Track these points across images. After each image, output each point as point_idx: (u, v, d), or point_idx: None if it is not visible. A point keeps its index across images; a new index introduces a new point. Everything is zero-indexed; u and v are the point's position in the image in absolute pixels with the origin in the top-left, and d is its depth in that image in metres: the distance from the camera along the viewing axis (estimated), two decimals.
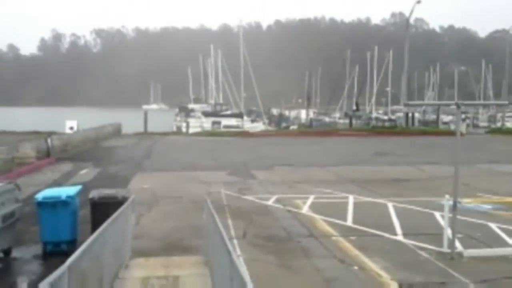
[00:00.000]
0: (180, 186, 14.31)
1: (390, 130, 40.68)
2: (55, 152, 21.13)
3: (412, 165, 19.40)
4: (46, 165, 18.41)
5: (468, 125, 47.83)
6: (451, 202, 7.98)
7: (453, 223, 7.86)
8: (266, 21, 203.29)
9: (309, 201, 12.06)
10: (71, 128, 34.29)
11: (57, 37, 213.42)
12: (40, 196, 7.59)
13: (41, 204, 7.55)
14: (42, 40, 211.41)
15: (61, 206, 7.57)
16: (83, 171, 17.29)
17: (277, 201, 12.12)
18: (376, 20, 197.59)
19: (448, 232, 7.97)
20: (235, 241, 8.52)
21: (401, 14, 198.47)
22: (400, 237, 8.97)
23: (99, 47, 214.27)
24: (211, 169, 17.92)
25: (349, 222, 10.08)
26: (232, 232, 9.16)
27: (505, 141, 27.88)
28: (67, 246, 7.61)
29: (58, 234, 7.62)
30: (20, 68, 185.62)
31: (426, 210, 11.00)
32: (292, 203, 11.86)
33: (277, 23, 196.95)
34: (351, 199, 12.34)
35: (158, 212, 11.02)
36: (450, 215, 8.01)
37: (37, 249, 7.92)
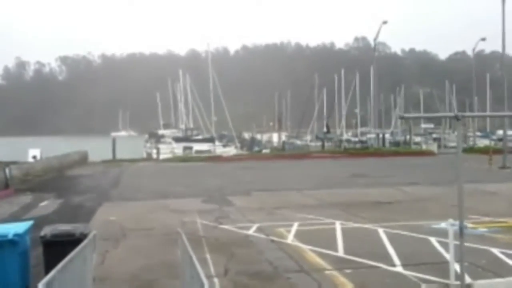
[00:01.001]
0: (150, 216, 13.11)
1: (363, 151, 40.53)
2: (14, 183, 19.53)
3: (391, 187, 18.78)
4: (3, 197, 16.86)
5: (439, 146, 48.28)
6: (455, 227, 7.17)
7: (461, 252, 7.02)
8: (233, 46, 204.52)
9: (294, 229, 11.09)
10: (34, 157, 32.51)
11: (21, 65, 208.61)
12: None
13: None
14: (6, 68, 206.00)
15: (8, 247, 6.35)
16: (43, 203, 15.84)
17: (259, 230, 11.09)
18: (340, 44, 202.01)
19: (452, 260, 7.13)
20: (215, 280, 7.45)
21: (363, 38, 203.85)
22: (399, 268, 8.07)
23: (65, 74, 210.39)
24: (185, 197, 16.79)
25: (341, 252, 9.15)
26: (212, 269, 8.07)
27: (479, 159, 27.79)
28: None
29: (6, 280, 6.38)
30: None
31: (420, 235, 10.19)
32: (275, 232, 10.86)
33: (244, 48, 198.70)
34: (338, 226, 11.44)
35: (126, 248, 9.81)
36: (456, 242, 7.18)
37: None
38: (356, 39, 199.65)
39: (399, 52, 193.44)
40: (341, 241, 9.97)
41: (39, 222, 12.48)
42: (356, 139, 62.99)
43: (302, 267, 8.20)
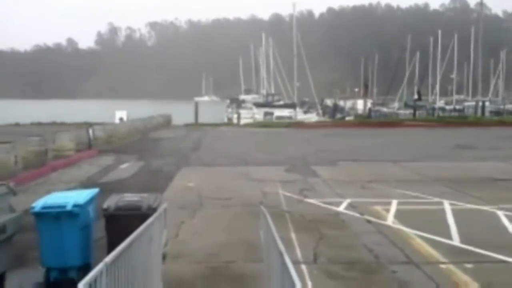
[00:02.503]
0: (229, 184, 12.10)
1: (461, 120, 36.71)
2: (98, 144, 19.62)
3: (503, 161, 16.23)
4: (85, 158, 16.82)
5: None
6: None
7: None
8: (318, 9, 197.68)
9: (393, 208, 9.45)
10: (121, 119, 33.24)
11: (113, 30, 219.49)
12: (38, 204, 5.53)
13: (40, 216, 5.50)
14: (99, 34, 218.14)
15: (67, 219, 5.48)
16: (123, 165, 15.51)
17: (351, 207, 9.60)
18: (434, 5, 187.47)
19: None
20: (303, 267, 6.17)
21: None
22: None
23: (154, 40, 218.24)
24: (265, 164, 15.61)
25: (456, 240, 7.43)
26: (298, 252, 6.79)
27: None
28: (77, 273, 5.56)
29: (64, 257, 5.56)
30: (78, 62, 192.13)
31: None
32: (371, 210, 9.31)
33: (330, 10, 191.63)
34: (447, 206, 9.61)
35: (202, 219, 8.83)
36: None
37: (40, 275, 5.92)
38: None
39: (500, 14, 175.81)
40: (454, 226, 8.21)
41: (117, 186, 11.99)
42: (451, 107, 58.07)
43: (410, 258, 6.64)
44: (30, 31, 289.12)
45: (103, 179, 13.02)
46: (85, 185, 12.06)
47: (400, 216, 8.89)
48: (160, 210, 5.57)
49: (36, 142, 13.58)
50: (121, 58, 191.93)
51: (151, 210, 5.41)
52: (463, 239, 7.44)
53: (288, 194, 10.75)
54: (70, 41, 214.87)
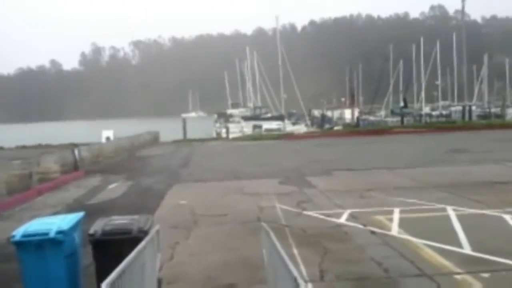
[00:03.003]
0: (223, 200, 11.63)
1: (449, 125, 36.72)
2: (84, 165, 19.01)
3: (497, 163, 16.03)
4: (72, 180, 16.21)
5: None
6: None
7: None
8: (301, 22, 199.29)
9: (396, 217, 9.08)
10: (107, 138, 32.64)
11: (97, 50, 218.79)
12: (19, 232, 5.04)
13: (20, 245, 5.01)
14: (83, 55, 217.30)
15: (51, 247, 4.99)
16: (112, 186, 14.94)
17: (352, 217, 9.20)
18: (414, 14, 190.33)
19: None
20: (310, 287, 5.72)
21: (440, 7, 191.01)
22: None
23: (138, 59, 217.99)
24: (259, 178, 15.18)
25: (467, 248, 7.05)
26: (303, 270, 6.34)
27: None
28: None
29: None
30: (63, 83, 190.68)
31: None
32: (373, 220, 8.92)
33: (312, 23, 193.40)
34: (451, 212, 9.27)
35: (198, 238, 8.34)
36: None
37: None
38: (432, 7, 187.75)
39: (479, 20, 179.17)
40: (462, 232, 7.84)
41: (106, 207, 11.46)
42: (438, 113, 58.37)
43: (422, 270, 6.24)
44: (13, 54, 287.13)
45: (91, 201, 12.46)
46: (72, 207, 11.50)
47: (404, 225, 8.50)
48: (152, 232, 5.11)
49: (19, 165, 12.98)
50: (106, 77, 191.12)
51: (143, 233, 4.94)
52: (474, 246, 7.07)
53: (285, 207, 10.32)
54: (54, 62, 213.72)
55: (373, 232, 8.18)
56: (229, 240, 8.05)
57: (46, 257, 5.00)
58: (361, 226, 8.56)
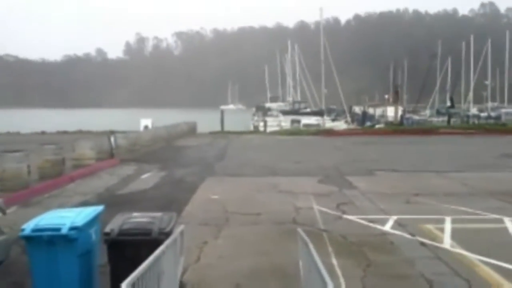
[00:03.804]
0: (257, 197, 10.99)
1: (500, 128, 34.65)
2: (120, 152, 18.84)
3: None
4: (106, 168, 16.00)
5: None
6: None
7: None
8: (344, 16, 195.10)
9: (447, 227, 8.17)
10: (146, 126, 32.72)
11: (141, 40, 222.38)
12: (29, 226, 4.55)
13: (30, 240, 4.53)
14: (127, 44, 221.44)
15: (63, 244, 4.48)
16: (145, 175, 14.60)
17: (398, 225, 8.35)
18: (463, 11, 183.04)
19: None
20: None
21: (491, 4, 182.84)
22: None
23: (180, 49, 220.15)
24: (296, 175, 14.46)
25: None
26: (343, 284, 5.62)
27: None
28: None
29: None
30: (107, 71, 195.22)
31: None
32: (422, 229, 8.04)
33: (356, 17, 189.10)
34: (509, 225, 8.28)
35: (228, 238, 7.73)
36: None
37: None
38: (483, 4, 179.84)
39: None
40: None
41: (135, 198, 11.07)
42: (485, 114, 55.63)
43: None
44: (61, 42, 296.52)
45: (122, 190, 12.12)
46: (102, 197, 11.21)
47: (457, 237, 7.60)
48: (175, 234, 4.51)
49: (52, 150, 12.77)
50: (149, 67, 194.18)
51: (163, 235, 4.35)
52: None
53: (324, 209, 9.57)
54: (99, 51, 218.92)
55: (422, 244, 7.32)
56: (262, 243, 7.40)
57: (57, 255, 4.49)
58: (408, 236, 7.71)
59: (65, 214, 4.87)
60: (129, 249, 4.34)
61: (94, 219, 4.88)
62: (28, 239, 4.51)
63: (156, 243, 4.14)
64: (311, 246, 4.18)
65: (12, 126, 41.12)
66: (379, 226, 8.26)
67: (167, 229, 4.49)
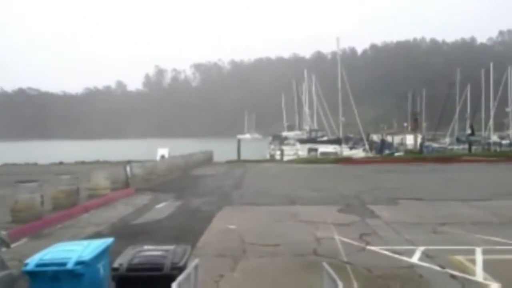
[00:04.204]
0: (276, 227, 10.57)
1: None
2: (136, 182, 18.68)
3: None
4: (121, 197, 15.80)
5: None
6: None
7: None
8: (361, 46, 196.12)
9: (479, 259, 7.63)
10: (163, 156, 32.65)
11: (160, 72, 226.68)
12: (33, 260, 4.28)
13: (34, 276, 4.23)
14: (147, 76, 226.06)
15: (69, 280, 4.18)
16: (160, 205, 14.33)
17: (426, 256, 7.83)
18: (482, 39, 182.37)
19: None
20: None
21: (510, 31, 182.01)
22: None
23: (198, 81, 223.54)
24: (315, 204, 14.00)
25: None
26: None
27: None
28: None
29: None
30: (127, 103, 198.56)
31: None
32: (452, 261, 7.52)
33: (373, 47, 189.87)
34: None
35: (245, 271, 7.32)
36: None
37: None
38: (501, 32, 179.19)
39: None
40: None
41: (150, 228, 10.76)
42: (507, 142, 54.41)
43: None
44: (82, 75, 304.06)
45: (136, 221, 11.83)
46: (116, 227, 10.94)
47: (490, 269, 7.06)
48: (188, 269, 4.17)
49: (67, 181, 12.63)
50: (167, 98, 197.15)
51: (176, 270, 4.01)
52: None
53: (346, 240, 9.10)
54: (119, 83, 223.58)
55: (453, 276, 6.81)
56: (281, 276, 6.96)
57: None
58: (438, 268, 7.19)
59: (72, 247, 4.59)
60: (139, 286, 4.01)
61: (103, 253, 4.59)
62: (32, 274, 4.23)
63: (169, 279, 3.81)
64: (340, 286, 3.79)
65: (32, 157, 41.68)
66: (406, 258, 7.75)
67: (181, 264, 4.16)
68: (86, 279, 4.23)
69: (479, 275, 6.88)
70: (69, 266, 4.14)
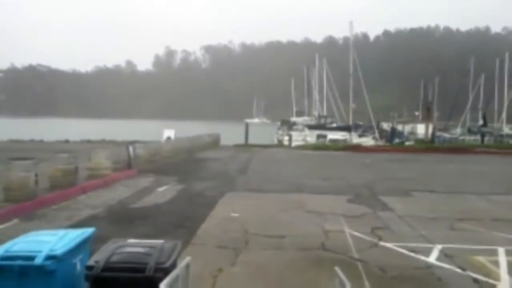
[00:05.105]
0: (281, 217, 9.95)
1: None
2: (139, 163, 18.11)
3: None
4: (122, 179, 15.25)
5: None
6: None
7: None
8: (374, 32, 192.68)
9: (502, 260, 6.97)
10: (168, 137, 32.07)
11: (170, 53, 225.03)
12: None
13: (0, 270, 3.63)
14: (156, 57, 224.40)
15: (38, 277, 3.57)
16: (162, 188, 13.76)
17: (445, 256, 7.18)
18: (496, 28, 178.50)
19: None
20: None
21: None
22: None
23: (208, 63, 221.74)
24: (323, 193, 13.35)
25: None
26: None
27: None
28: None
29: None
30: (136, 83, 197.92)
31: None
32: (473, 262, 6.87)
33: (386, 33, 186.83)
34: None
35: (246, 265, 6.71)
36: None
37: None
38: None
39: None
40: None
41: (148, 213, 10.20)
42: None
43: None
44: (92, 54, 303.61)
45: (136, 204, 11.27)
46: (114, 210, 10.40)
47: None
48: (177, 270, 3.54)
49: (65, 159, 12.07)
50: (176, 79, 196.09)
51: (161, 272, 3.39)
52: None
53: (357, 233, 8.46)
54: (129, 63, 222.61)
55: (476, 280, 6.16)
56: (285, 273, 6.35)
57: None
58: (458, 270, 6.54)
59: (45, 238, 3.98)
60: None
61: (80, 245, 3.98)
62: None
63: (152, 282, 3.20)
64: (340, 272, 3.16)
65: (38, 134, 41.32)
66: (422, 257, 7.11)
67: (167, 264, 3.53)
68: (58, 277, 3.63)
69: (504, 279, 6.24)
70: (38, 261, 3.54)
